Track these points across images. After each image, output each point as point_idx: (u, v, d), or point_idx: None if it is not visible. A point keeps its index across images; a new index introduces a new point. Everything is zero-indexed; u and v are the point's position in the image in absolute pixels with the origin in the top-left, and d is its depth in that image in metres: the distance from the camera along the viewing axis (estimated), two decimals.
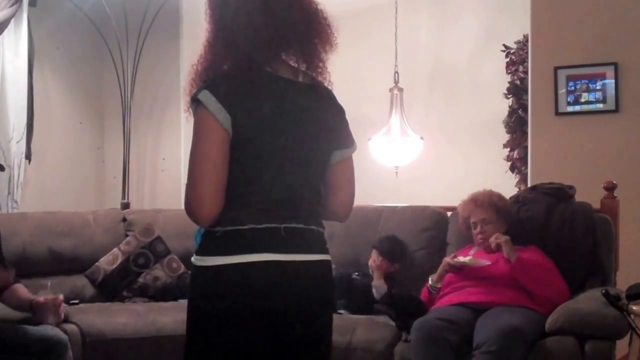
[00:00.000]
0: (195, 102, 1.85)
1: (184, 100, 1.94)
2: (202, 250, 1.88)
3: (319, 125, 1.95)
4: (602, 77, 4.21)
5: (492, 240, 3.35)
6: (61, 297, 3.04)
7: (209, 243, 1.87)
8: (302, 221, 1.90)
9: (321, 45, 1.96)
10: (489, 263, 3.32)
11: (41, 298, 2.98)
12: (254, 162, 1.86)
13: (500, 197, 3.51)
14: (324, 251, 1.96)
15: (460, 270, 3.35)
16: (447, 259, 3.42)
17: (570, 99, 4.28)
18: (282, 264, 1.85)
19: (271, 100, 1.88)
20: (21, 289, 3.12)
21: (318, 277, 1.93)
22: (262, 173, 1.87)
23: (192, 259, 1.90)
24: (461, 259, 3.36)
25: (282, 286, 1.85)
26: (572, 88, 4.26)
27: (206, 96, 1.83)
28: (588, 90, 4.23)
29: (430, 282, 3.44)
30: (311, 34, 1.94)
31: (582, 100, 4.26)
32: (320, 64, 1.97)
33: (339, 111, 2.02)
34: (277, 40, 1.90)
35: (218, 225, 1.85)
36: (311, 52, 1.95)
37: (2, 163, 3.58)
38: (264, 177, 1.87)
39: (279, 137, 1.87)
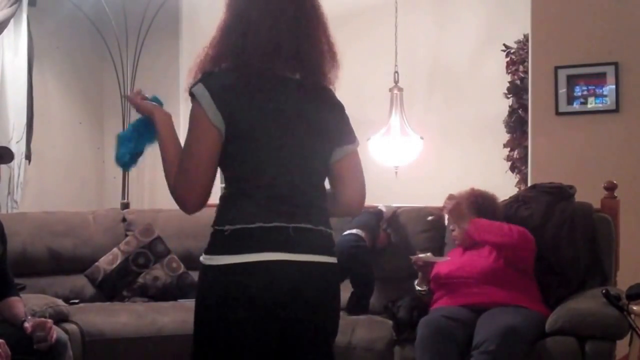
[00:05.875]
0: (191, 95, 1.87)
1: (185, 84, 1.95)
2: (211, 249, 1.88)
3: (318, 122, 1.94)
4: (604, 81, 4.19)
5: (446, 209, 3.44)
6: (50, 321, 3.01)
7: (218, 242, 1.87)
8: (311, 221, 1.90)
9: (327, 71, 1.97)
10: (448, 259, 3.39)
11: (28, 325, 2.95)
12: (253, 159, 1.87)
13: (473, 202, 3.46)
14: (331, 253, 1.95)
15: (425, 267, 3.38)
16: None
17: (576, 103, 4.27)
18: (291, 263, 1.85)
19: (267, 96, 1.88)
20: (17, 305, 3.09)
21: (325, 279, 1.92)
22: (263, 170, 1.87)
23: (201, 258, 1.90)
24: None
25: (291, 286, 1.85)
26: (579, 93, 4.26)
27: (200, 90, 1.85)
28: (595, 95, 4.23)
29: (416, 287, 3.44)
30: (320, 64, 1.95)
31: (589, 105, 4.25)
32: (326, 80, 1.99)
33: (339, 108, 2.01)
34: (284, 53, 1.89)
35: (227, 223, 1.85)
36: (314, 74, 1.95)
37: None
38: (267, 175, 1.87)
39: (277, 133, 1.88)
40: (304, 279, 1.87)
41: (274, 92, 1.89)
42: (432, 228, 3.89)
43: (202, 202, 1.89)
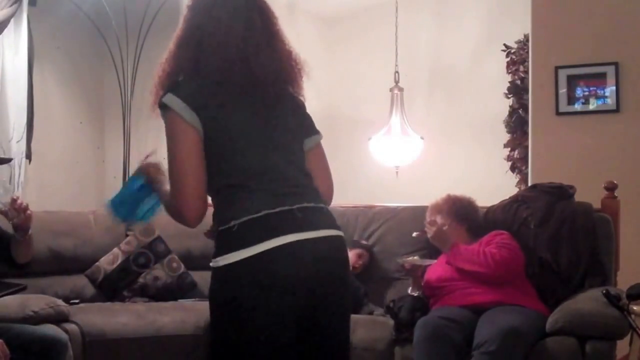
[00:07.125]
0: (162, 108, 1.91)
1: (150, 104, 1.99)
2: (221, 250, 1.88)
3: (286, 116, 2.01)
4: (605, 82, 4.19)
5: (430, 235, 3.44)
6: (14, 196, 3.11)
7: (227, 240, 1.88)
8: (311, 200, 1.94)
9: (290, 79, 2.04)
10: (434, 261, 3.41)
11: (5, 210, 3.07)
12: (237, 154, 1.90)
13: (452, 209, 3.50)
14: (337, 227, 2.00)
15: (413, 270, 3.39)
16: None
17: (578, 104, 4.27)
18: (305, 242, 1.87)
19: (235, 96, 1.93)
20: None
21: (337, 251, 1.97)
22: (249, 163, 1.91)
23: (211, 263, 1.89)
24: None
25: (309, 264, 1.88)
26: (580, 94, 4.26)
27: (169, 98, 1.89)
28: (597, 97, 4.23)
29: (410, 293, 3.43)
30: (283, 80, 2.01)
31: (591, 105, 4.25)
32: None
33: (301, 104, 2.09)
34: (236, 69, 1.93)
35: (231, 220, 1.86)
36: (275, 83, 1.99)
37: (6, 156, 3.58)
38: (254, 166, 1.91)
39: (254, 127, 1.93)
40: (319, 255, 1.90)
41: (238, 93, 1.93)
42: None
43: (201, 209, 1.89)
